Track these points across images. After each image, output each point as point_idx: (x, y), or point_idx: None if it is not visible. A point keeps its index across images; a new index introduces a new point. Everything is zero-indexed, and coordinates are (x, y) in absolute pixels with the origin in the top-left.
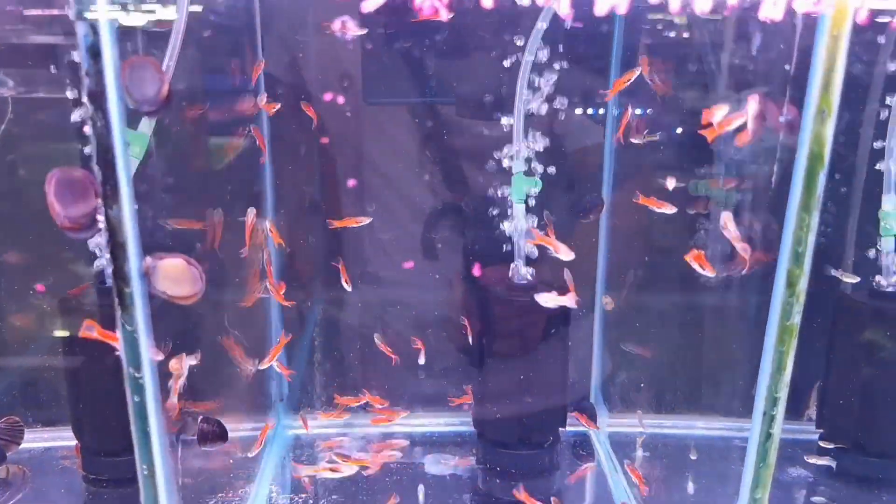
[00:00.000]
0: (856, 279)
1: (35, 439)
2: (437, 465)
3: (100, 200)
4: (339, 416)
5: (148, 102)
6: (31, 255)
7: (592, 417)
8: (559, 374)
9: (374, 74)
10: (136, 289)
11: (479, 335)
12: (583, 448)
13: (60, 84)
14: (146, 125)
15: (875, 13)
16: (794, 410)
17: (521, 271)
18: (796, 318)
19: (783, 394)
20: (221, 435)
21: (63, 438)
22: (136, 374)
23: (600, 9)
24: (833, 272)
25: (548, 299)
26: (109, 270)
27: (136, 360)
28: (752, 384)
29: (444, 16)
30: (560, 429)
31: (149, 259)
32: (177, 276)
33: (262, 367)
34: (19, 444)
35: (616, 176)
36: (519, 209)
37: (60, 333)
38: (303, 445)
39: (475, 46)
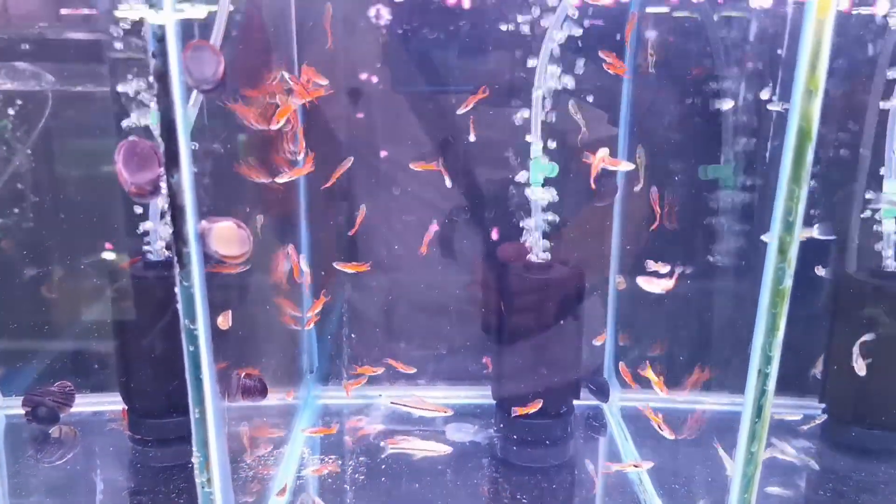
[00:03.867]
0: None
1: (84, 403)
2: (459, 432)
3: (162, 169)
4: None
5: (206, 82)
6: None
7: (605, 392)
8: (573, 349)
9: (401, 65)
10: (193, 249)
11: (498, 311)
12: (595, 419)
13: (96, 77)
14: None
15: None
16: (800, 387)
17: (539, 250)
18: (788, 282)
19: (776, 353)
20: (262, 390)
21: (110, 403)
22: (192, 326)
23: None
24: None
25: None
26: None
27: (192, 314)
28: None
29: (468, 3)
30: (574, 400)
31: (204, 222)
32: (229, 238)
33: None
34: (71, 407)
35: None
36: (536, 192)
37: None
38: (331, 413)
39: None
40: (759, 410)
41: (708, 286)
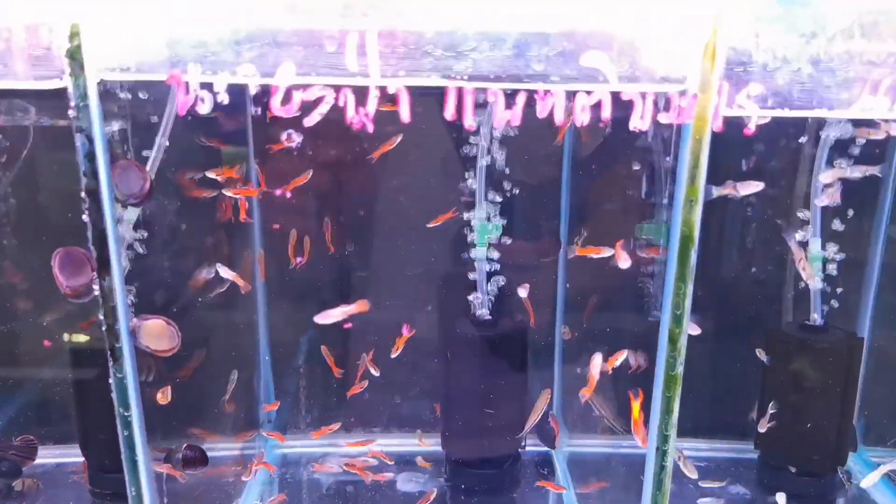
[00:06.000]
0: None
1: (47, 455)
2: (409, 483)
3: (95, 274)
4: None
5: (133, 196)
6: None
7: (552, 438)
8: (518, 400)
9: None
10: (124, 344)
11: (446, 365)
12: (543, 466)
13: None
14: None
15: (728, 120)
16: (738, 431)
17: (484, 308)
18: (679, 369)
19: (672, 432)
20: (203, 460)
21: (72, 455)
22: (126, 413)
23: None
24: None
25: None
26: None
27: (126, 402)
28: (701, 405)
29: (371, 128)
30: (519, 449)
31: (135, 320)
32: (158, 333)
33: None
34: (33, 460)
35: (572, 217)
36: (481, 252)
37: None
38: (289, 464)
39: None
40: (659, 484)
41: (650, 332)
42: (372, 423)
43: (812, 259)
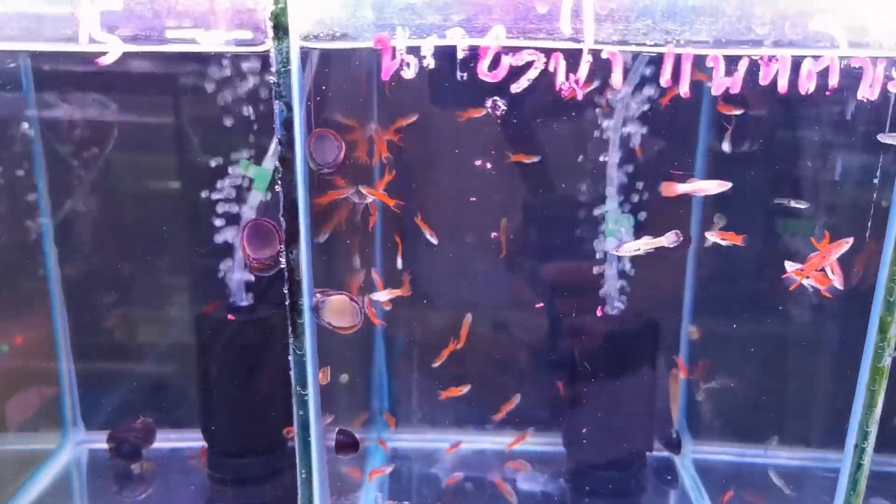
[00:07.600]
0: None
1: (163, 439)
2: (530, 481)
3: (282, 246)
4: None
5: (328, 165)
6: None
7: (677, 444)
8: (645, 401)
9: None
10: (307, 320)
11: (571, 360)
12: (667, 473)
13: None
14: (270, 161)
15: None
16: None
17: (614, 302)
18: (887, 361)
19: (873, 428)
20: (354, 445)
21: (188, 440)
22: (303, 392)
23: (684, 90)
24: None
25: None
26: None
27: (303, 380)
28: (835, 415)
29: (580, 95)
30: (647, 453)
31: (319, 295)
32: (341, 310)
33: None
34: (152, 443)
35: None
36: (611, 243)
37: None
38: (400, 457)
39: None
40: (854, 484)
41: (784, 335)
42: (484, 420)
43: None
